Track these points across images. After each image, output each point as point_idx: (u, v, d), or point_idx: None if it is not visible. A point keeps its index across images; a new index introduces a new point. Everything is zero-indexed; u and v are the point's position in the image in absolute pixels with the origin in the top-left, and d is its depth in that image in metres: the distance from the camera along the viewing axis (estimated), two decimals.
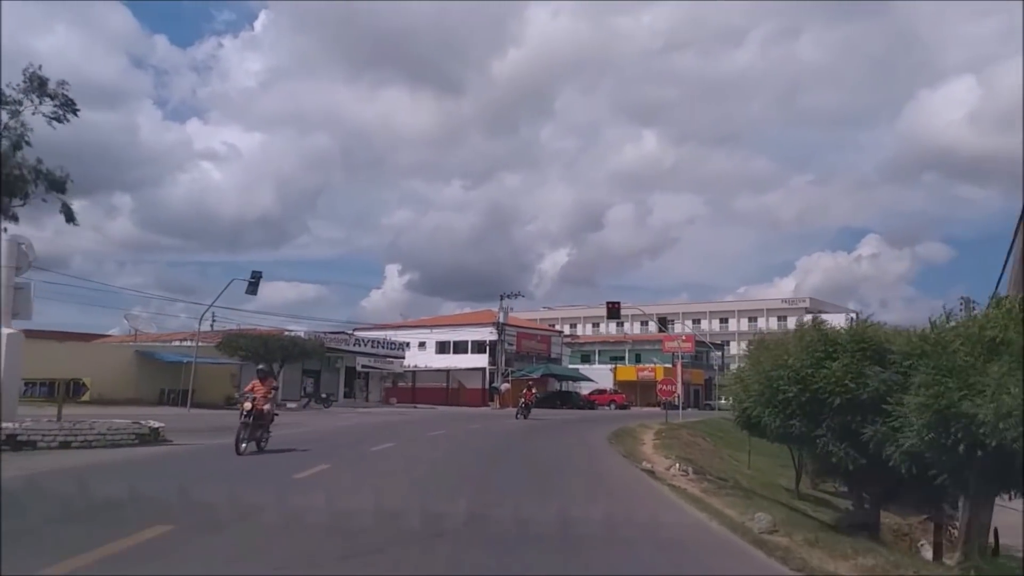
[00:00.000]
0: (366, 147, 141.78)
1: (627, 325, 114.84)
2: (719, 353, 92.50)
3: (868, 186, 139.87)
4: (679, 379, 75.09)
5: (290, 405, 44.88)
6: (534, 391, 47.14)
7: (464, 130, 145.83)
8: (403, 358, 56.24)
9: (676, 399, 67.34)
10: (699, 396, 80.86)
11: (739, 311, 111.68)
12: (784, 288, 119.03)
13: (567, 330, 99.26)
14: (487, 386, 62.53)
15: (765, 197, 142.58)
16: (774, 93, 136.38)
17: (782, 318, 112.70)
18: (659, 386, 38.81)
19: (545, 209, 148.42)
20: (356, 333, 56.53)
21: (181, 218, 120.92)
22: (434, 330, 66.06)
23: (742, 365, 18.04)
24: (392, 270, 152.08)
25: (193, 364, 36.26)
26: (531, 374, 63.43)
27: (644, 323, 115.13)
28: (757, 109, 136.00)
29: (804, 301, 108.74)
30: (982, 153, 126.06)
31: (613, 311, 44.20)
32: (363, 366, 52.92)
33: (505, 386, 60.54)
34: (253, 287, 36.62)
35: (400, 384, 68.41)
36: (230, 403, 42.39)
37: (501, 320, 62.10)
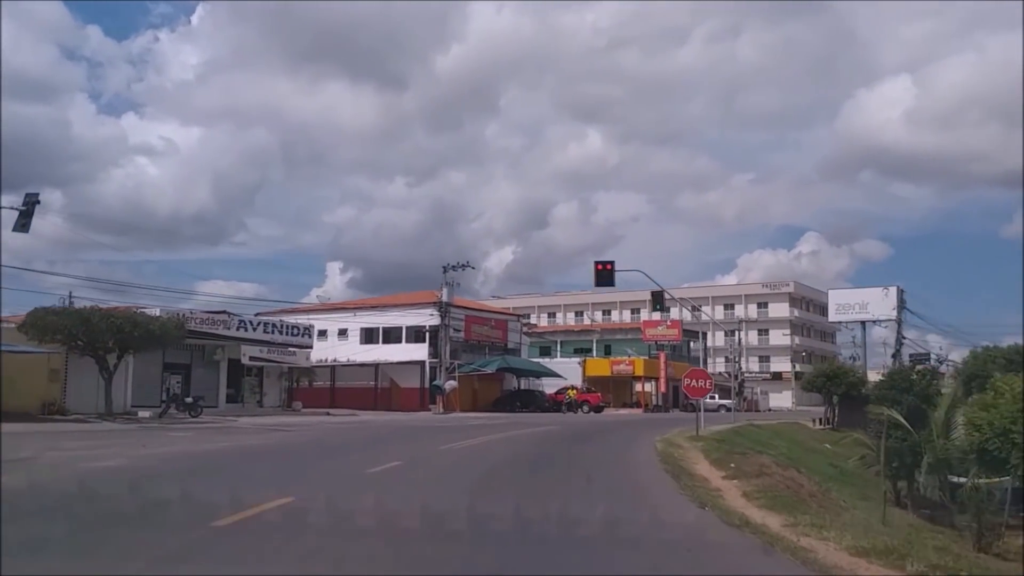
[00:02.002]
0: (307, 142, 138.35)
1: (587, 314, 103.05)
2: (698, 344, 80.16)
3: (807, 185, 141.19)
4: (664, 372, 62.21)
5: (142, 414, 30.97)
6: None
7: (407, 126, 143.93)
8: (309, 347, 41.60)
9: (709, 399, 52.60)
10: (683, 394, 67.71)
11: (713, 297, 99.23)
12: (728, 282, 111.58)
13: None
14: (427, 384, 48.26)
15: (707, 196, 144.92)
16: (716, 92, 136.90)
17: (762, 304, 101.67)
18: (686, 381, 25.36)
19: (490, 207, 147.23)
20: (257, 317, 41.64)
21: (115, 215, 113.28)
22: (358, 313, 51.53)
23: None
24: (334, 268, 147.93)
25: None
26: (484, 368, 49.43)
27: (607, 312, 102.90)
28: (699, 108, 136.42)
29: (788, 285, 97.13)
30: (918, 152, 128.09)
31: (605, 274, 30.37)
32: (251, 359, 38.23)
33: (451, 384, 46.42)
34: (24, 220, 22.04)
35: (315, 384, 53.76)
36: (50, 412, 29.54)
37: (444, 299, 47.91)
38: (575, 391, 54.11)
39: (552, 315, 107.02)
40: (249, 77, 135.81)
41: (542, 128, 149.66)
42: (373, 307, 51.93)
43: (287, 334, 40.16)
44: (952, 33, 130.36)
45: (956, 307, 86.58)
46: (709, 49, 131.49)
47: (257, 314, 44.76)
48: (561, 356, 67.23)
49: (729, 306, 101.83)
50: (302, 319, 52.73)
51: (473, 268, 48.29)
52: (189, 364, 36.85)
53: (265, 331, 39.11)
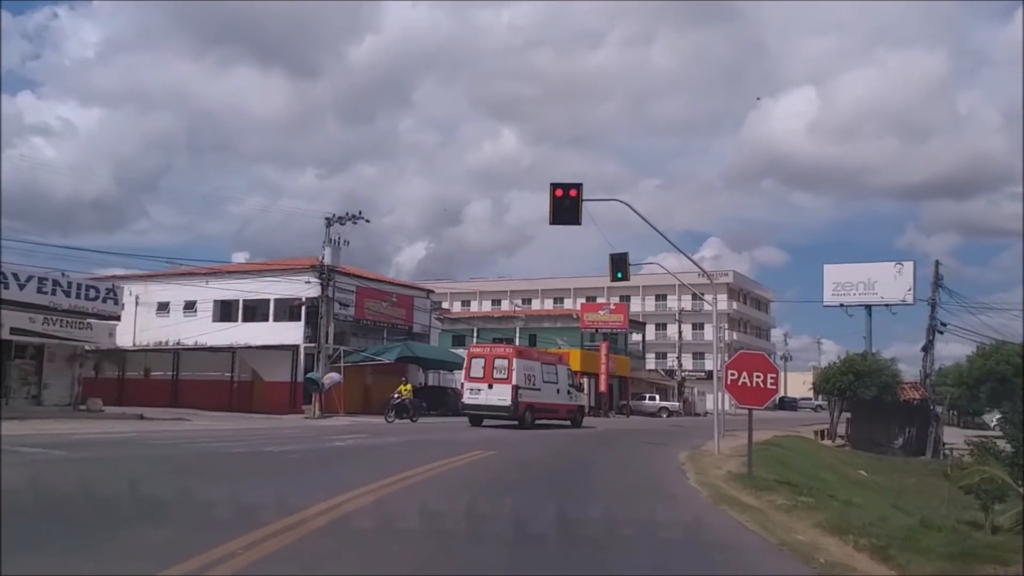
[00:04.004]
0: (213, 129, 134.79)
1: (505, 303, 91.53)
2: (639, 336, 69.53)
3: (711, 192, 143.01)
4: (605, 367, 50.93)
5: None
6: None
7: (319, 117, 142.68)
8: (115, 318, 28.39)
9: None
10: (620, 393, 56.82)
11: (644, 287, 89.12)
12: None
13: None
14: (301, 377, 35.53)
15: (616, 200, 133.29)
16: (627, 97, 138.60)
17: (698, 296, 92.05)
18: (732, 376, 13.92)
19: (403, 202, 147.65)
20: (26, 267, 27.99)
21: (8, 197, 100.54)
22: (211, 281, 38.24)
23: None
24: (239, 259, 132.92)
25: None
26: (380, 357, 37.12)
27: (527, 300, 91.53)
28: (611, 112, 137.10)
29: (727, 275, 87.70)
30: (818, 163, 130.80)
31: (565, 205, 18.93)
32: (14, 331, 24.89)
33: (332, 377, 33.91)
34: None
35: (152, 374, 40.46)
36: None
37: (327, 261, 35.28)
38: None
39: (467, 303, 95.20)
40: (153, 58, 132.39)
41: (456, 125, 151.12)
42: (231, 273, 38.68)
43: (78, 296, 26.79)
44: (855, 48, 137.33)
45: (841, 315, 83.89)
46: (623, 53, 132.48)
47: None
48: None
49: (661, 297, 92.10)
50: (137, 288, 39.36)
51: (368, 221, 35.80)
52: None
53: (41, 290, 25.72)
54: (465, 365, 29.62)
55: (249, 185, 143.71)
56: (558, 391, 30.46)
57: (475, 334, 58.98)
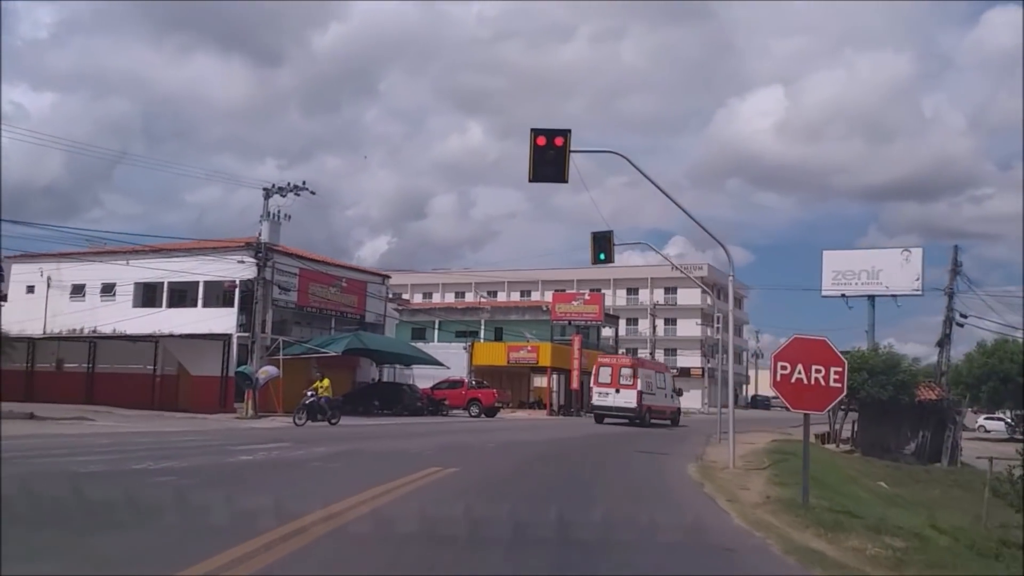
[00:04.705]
0: (172, 116, 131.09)
1: (470, 295, 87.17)
2: (609, 331, 65.56)
3: (677, 190, 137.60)
4: (577, 362, 46.76)
5: None
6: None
7: (281, 105, 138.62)
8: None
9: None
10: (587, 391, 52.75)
11: (615, 280, 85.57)
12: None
13: None
14: (233, 371, 30.97)
15: (582, 196, 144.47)
16: (596, 93, 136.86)
17: (671, 290, 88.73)
18: (782, 369, 9.76)
19: (367, 195, 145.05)
20: None
21: None
22: (132, 261, 33.41)
23: None
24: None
25: None
26: (325, 349, 32.77)
27: (493, 293, 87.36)
28: (579, 107, 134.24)
29: (701, 268, 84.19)
30: (784, 163, 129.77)
31: (548, 153, 15.03)
32: None
33: (269, 371, 29.29)
34: None
35: (65, 365, 35.80)
36: None
37: (264, 238, 30.76)
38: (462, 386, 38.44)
39: (429, 295, 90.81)
40: (110, 41, 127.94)
41: (423, 117, 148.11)
42: (156, 252, 33.86)
43: None
44: (824, 49, 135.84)
45: (801, 314, 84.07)
46: (593, 49, 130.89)
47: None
48: (440, 340, 51.08)
49: (633, 291, 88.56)
50: (48, 268, 34.53)
51: (313, 193, 31.22)
52: None
53: None
54: (594, 372, 34.53)
55: (208, 174, 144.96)
56: (666, 395, 35.49)
57: (436, 326, 54.71)
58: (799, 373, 9.83)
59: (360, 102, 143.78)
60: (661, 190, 15.80)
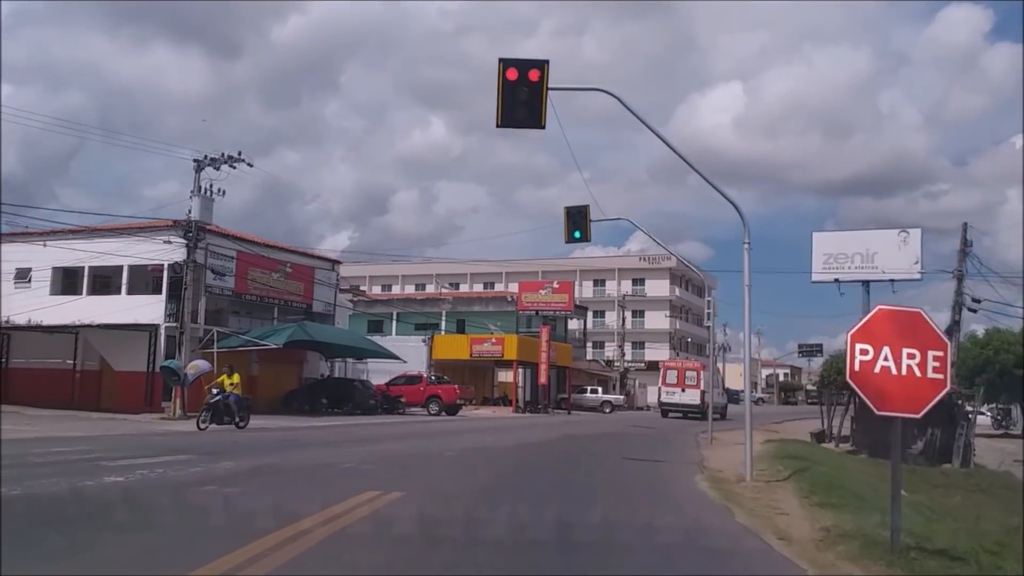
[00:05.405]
0: (128, 109, 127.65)
1: (431, 287, 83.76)
2: (576, 324, 62.71)
3: (639, 186, 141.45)
4: (546, 355, 43.71)
5: None
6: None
7: (240, 98, 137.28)
8: None
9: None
10: (559, 386, 49.95)
11: (581, 271, 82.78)
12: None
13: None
14: (160, 366, 27.41)
15: (545, 192, 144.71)
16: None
17: (639, 281, 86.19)
18: (858, 352, 6.70)
19: (327, 189, 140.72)
20: None
21: None
22: (49, 242, 29.64)
23: None
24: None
25: None
26: (266, 341, 29.42)
27: (455, 285, 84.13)
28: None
29: (669, 259, 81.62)
30: (744, 158, 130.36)
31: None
32: None
33: (199, 367, 25.79)
34: None
35: None
36: None
37: (195, 217, 27.27)
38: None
39: (388, 287, 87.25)
40: (63, 32, 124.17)
41: (385, 111, 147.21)
42: (76, 233, 30.10)
43: None
44: (782, 46, 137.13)
45: (779, 304, 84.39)
46: (555, 43, 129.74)
47: None
48: (398, 333, 47.80)
49: (600, 282, 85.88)
50: None
51: (250, 165, 27.77)
52: None
53: None
54: (661, 374, 41.91)
55: (165, 168, 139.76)
56: (719, 393, 40.78)
57: (395, 318, 51.37)
58: (885, 359, 6.93)
59: (320, 96, 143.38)
60: (652, 130, 13.06)
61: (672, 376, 39.71)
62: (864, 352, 6.97)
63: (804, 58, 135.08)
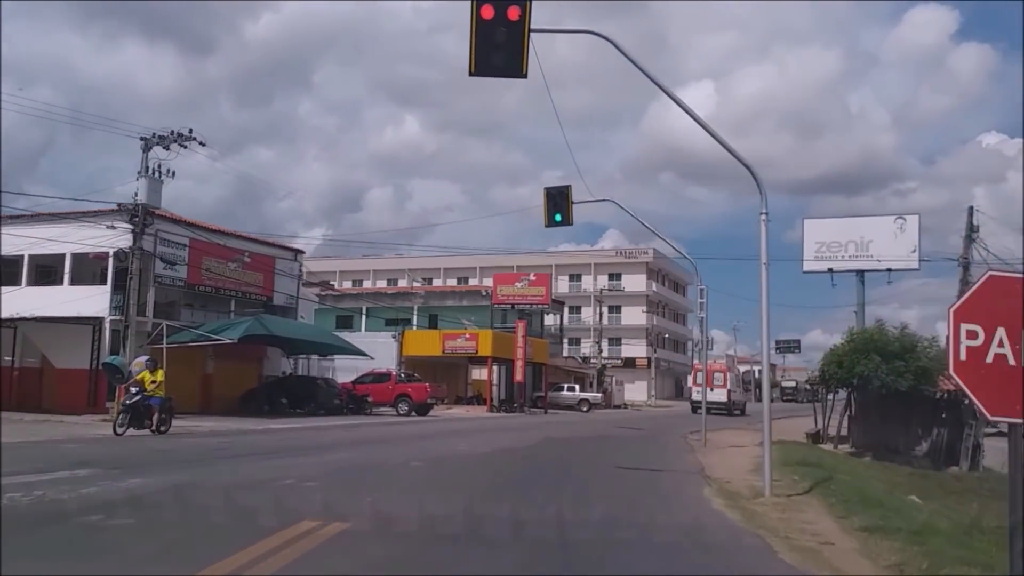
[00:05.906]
0: (99, 105, 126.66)
1: (403, 283, 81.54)
2: (552, 319, 60.87)
3: (611, 184, 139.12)
4: (522, 351, 41.65)
5: None
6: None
7: (212, 95, 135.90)
8: None
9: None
10: (535, 383, 48.11)
11: (557, 265, 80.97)
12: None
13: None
14: (102, 363, 25.12)
15: (518, 190, 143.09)
16: (532, 87, 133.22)
17: (615, 276, 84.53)
18: (964, 335, 4.76)
19: (301, 187, 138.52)
20: None
21: None
22: None
23: None
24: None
25: None
26: (220, 336, 27.21)
27: (428, 280, 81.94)
28: (515, 102, 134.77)
29: (646, 253, 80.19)
30: (715, 157, 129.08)
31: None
32: None
33: (142, 362, 23.39)
34: None
35: None
36: None
37: (143, 200, 25.01)
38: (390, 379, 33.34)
39: (359, 282, 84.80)
40: (33, 28, 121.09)
41: (358, 109, 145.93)
42: (14, 218, 27.68)
43: None
44: (753, 46, 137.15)
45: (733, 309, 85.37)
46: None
47: None
48: (368, 329, 45.68)
49: (575, 277, 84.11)
50: None
51: (203, 144, 25.60)
52: None
53: None
54: (692, 375, 47.11)
55: (137, 165, 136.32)
56: (743, 391, 48.15)
57: (364, 312, 49.25)
58: (1000, 347, 5.11)
59: (293, 93, 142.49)
60: (645, 72, 11.35)
61: (700, 377, 40.32)
62: (972, 335, 5.16)
63: (775, 58, 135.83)
